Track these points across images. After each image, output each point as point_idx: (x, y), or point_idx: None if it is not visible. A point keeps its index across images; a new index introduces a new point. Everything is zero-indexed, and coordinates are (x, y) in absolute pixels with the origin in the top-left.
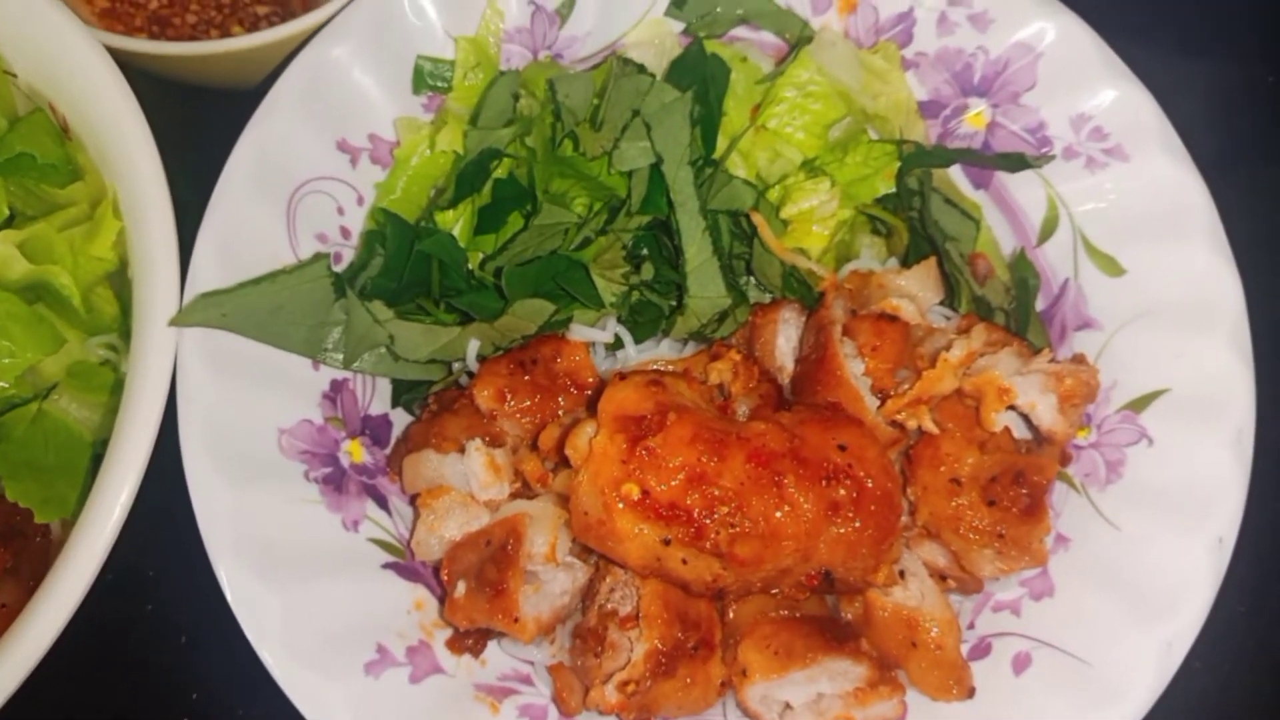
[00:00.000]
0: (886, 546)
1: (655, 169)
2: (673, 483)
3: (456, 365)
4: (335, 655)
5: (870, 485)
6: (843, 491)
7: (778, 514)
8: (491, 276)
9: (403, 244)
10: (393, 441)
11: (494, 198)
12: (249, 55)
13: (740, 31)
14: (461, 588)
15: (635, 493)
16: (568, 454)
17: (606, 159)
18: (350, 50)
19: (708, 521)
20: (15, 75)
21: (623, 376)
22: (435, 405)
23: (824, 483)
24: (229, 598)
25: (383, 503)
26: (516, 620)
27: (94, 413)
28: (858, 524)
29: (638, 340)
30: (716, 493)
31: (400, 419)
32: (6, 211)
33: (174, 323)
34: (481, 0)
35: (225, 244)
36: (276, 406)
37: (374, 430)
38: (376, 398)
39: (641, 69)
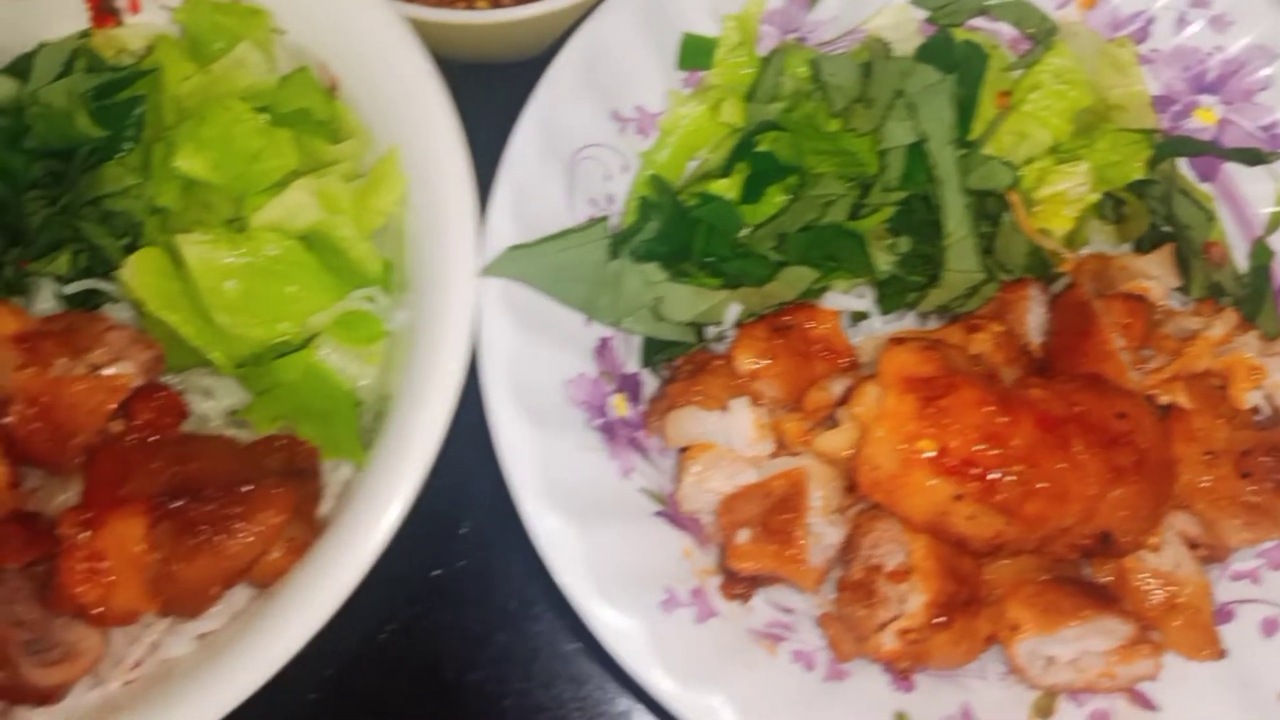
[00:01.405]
0: (1163, 511)
1: (915, 147)
2: (967, 440)
3: (710, 329)
4: (633, 593)
5: (1149, 451)
6: (1125, 456)
7: (1066, 475)
8: (761, 244)
9: (674, 211)
10: (642, 398)
11: (754, 170)
12: (530, 24)
13: (976, 23)
14: (744, 535)
15: (931, 448)
16: (854, 413)
17: (862, 135)
18: (626, 25)
19: (1000, 479)
20: (285, 32)
21: (899, 342)
22: (689, 366)
23: (1108, 447)
24: (535, 534)
25: (644, 455)
26: (803, 566)
27: (354, 362)
28: (1140, 488)
29: (884, 312)
30: (1008, 452)
31: (646, 380)
32: (295, 162)
33: (486, 273)
34: None
35: (518, 201)
36: (561, 358)
37: (629, 387)
38: (630, 357)
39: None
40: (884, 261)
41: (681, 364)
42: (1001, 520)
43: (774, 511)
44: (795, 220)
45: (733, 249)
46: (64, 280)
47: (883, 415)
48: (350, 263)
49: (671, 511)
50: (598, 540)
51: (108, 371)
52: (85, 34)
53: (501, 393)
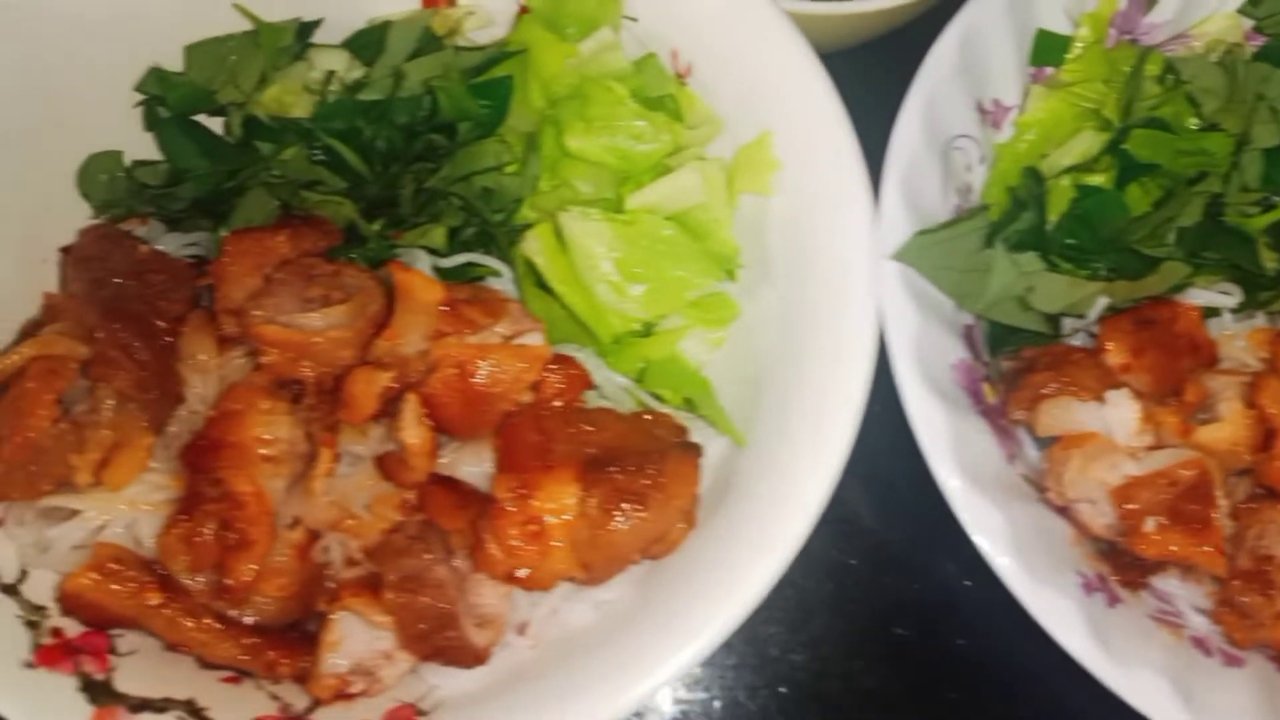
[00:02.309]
0: None
1: (1274, 153)
2: None
3: (1069, 321)
4: (1056, 572)
5: None
6: None
7: None
8: (1142, 237)
9: (1042, 204)
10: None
11: (1122, 167)
12: (884, 16)
13: None
14: (1152, 523)
15: None
16: (1265, 407)
17: (1229, 136)
18: (996, 17)
19: None
20: (636, 20)
21: None
22: (1047, 358)
23: None
24: (960, 511)
25: (1016, 443)
26: (1218, 553)
27: (701, 344)
28: None
29: (1239, 310)
30: None
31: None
32: (671, 145)
33: (896, 257)
34: None
35: (906, 186)
36: (947, 342)
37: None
38: (983, 346)
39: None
40: (1271, 260)
41: (1038, 355)
42: None
43: (1183, 499)
44: (1187, 217)
45: (1110, 243)
46: (439, 254)
47: None
48: (713, 245)
49: (1049, 500)
50: (1016, 518)
51: (526, 340)
52: (426, 12)
53: (910, 369)
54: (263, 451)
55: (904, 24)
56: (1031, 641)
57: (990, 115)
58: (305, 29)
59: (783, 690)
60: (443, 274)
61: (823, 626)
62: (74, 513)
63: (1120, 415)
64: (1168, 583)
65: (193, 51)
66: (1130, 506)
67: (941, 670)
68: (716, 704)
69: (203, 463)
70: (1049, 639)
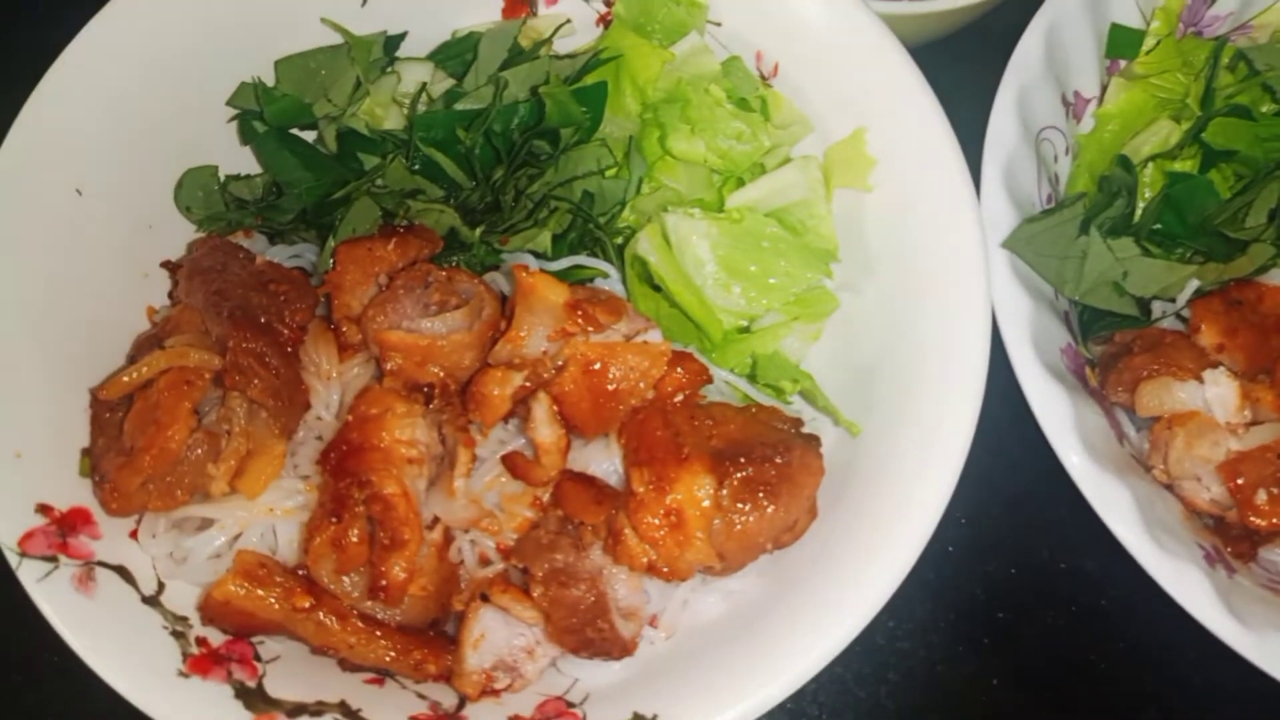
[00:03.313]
0: None
1: None
2: None
3: (1159, 305)
4: (1182, 545)
5: None
6: None
7: None
8: (1232, 222)
9: (1134, 191)
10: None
11: (1204, 153)
12: (952, 15)
13: None
14: (1263, 495)
15: None
16: None
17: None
18: (1076, 11)
19: None
20: (720, 24)
21: None
22: (1143, 341)
23: None
24: (1086, 488)
25: (1115, 423)
26: None
27: (799, 339)
28: None
29: None
30: None
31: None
32: (767, 145)
33: (1006, 245)
34: None
35: (1005, 177)
36: (1054, 327)
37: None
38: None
39: None
40: None
41: (1133, 339)
42: None
43: None
44: (1270, 200)
45: (1200, 228)
46: (545, 258)
47: None
48: (813, 240)
49: (1156, 478)
50: (1138, 494)
51: (647, 338)
52: (514, 22)
53: (1028, 354)
54: (407, 453)
55: (979, 19)
56: (1136, 615)
57: (1073, 107)
58: (392, 42)
59: (892, 677)
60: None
61: (926, 614)
62: (207, 522)
63: (1219, 393)
64: (1273, 553)
65: (283, 66)
66: (1240, 481)
67: (1044, 654)
68: (824, 695)
69: (347, 467)
70: (1151, 613)
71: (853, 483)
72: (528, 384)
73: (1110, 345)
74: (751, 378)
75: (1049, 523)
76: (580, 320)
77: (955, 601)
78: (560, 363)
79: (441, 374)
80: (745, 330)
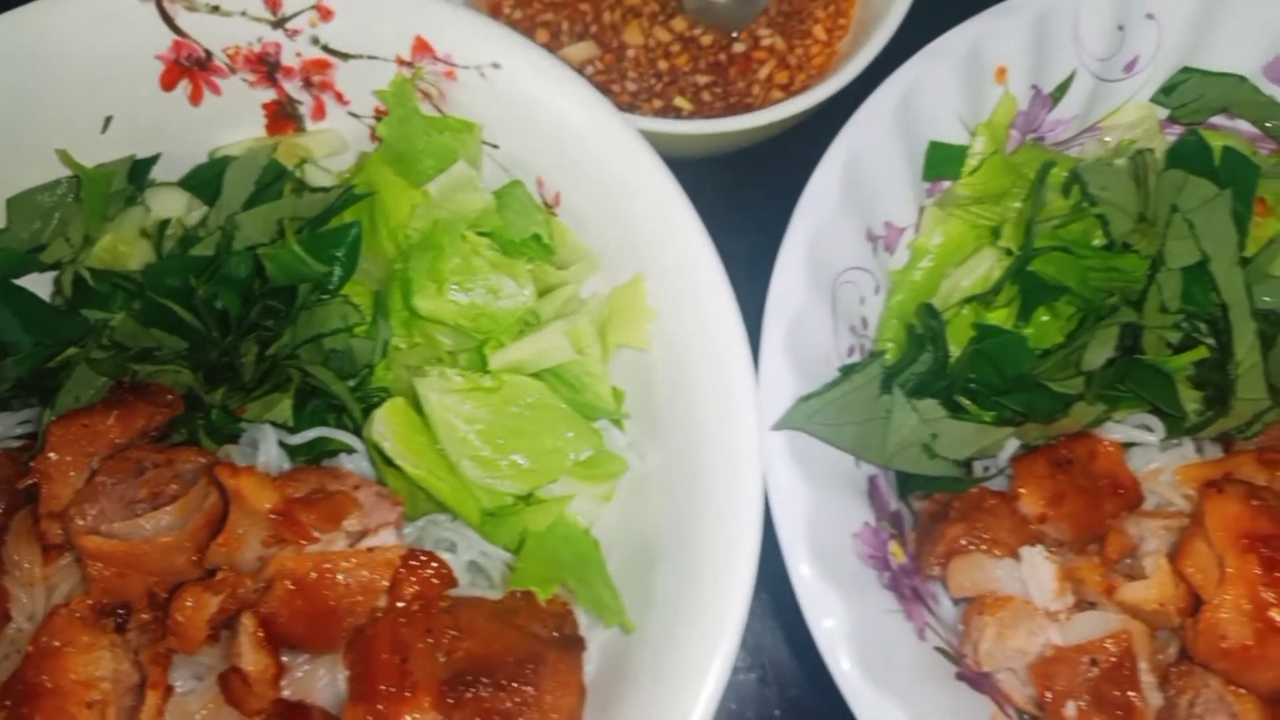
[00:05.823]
0: None
1: (1193, 268)
2: None
3: (979, 465)
4: None
5: None
6: None
7: None
8: (1052, 376)
9: (943, 342)
10: (906, 535)
11: (1025, 291)
12: (751, 133)
13: (1215, 120)
14: (1072, 708)
15: None
16: (1187, 573)
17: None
18: (880, 135)
19: None
20: (497, 147)
21: (1219, 489)
22: (962, 505)
23: None
24: (854, 707)
25: (925, 604)
26: None
27: (590, 502)
28: None
29: (1163, 439)
30: None
31: (906, 515)
32: (535, 298)
33: (779, 427)
34: (991, 87)
35: (790, 337)
36: (845, 509)
37: (898, 526)
38: (892, 493)
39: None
40: (1196, 399)
41: (953, 503)
42: None
43: (1105, 681)
44: (1096, 354)
45: (1018, 383)
46: (289, 428)
47: (1226, 581)
48: (588, 398)
49: (967, 671)
50: (922, 712)
51: (372, 543)
52: (268, 145)
53: (801, 554)
54: (86, 696)
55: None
56: None
57: (883, 239)
58: (140, 168)
59: None
60: (292, 451)
61: None
62: None
63: (1036, 576)
64: None
65: (14, 205)
66: (1051, 690)
67: None
68: None
69: (21, 713)
70: None
71: (625, 686)
72: (227, 606)
73: (931, 504)
74: (520, 576)
75: None
76: (289, 528)
77: None
78: (267, 580)
79: (152, 580)
80: (526, 499)
